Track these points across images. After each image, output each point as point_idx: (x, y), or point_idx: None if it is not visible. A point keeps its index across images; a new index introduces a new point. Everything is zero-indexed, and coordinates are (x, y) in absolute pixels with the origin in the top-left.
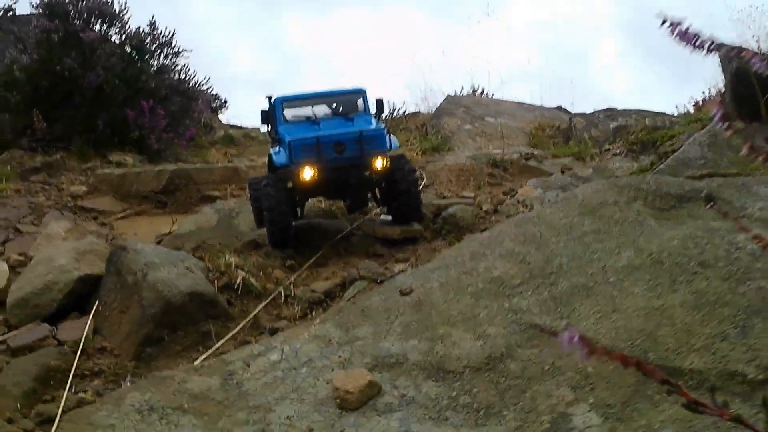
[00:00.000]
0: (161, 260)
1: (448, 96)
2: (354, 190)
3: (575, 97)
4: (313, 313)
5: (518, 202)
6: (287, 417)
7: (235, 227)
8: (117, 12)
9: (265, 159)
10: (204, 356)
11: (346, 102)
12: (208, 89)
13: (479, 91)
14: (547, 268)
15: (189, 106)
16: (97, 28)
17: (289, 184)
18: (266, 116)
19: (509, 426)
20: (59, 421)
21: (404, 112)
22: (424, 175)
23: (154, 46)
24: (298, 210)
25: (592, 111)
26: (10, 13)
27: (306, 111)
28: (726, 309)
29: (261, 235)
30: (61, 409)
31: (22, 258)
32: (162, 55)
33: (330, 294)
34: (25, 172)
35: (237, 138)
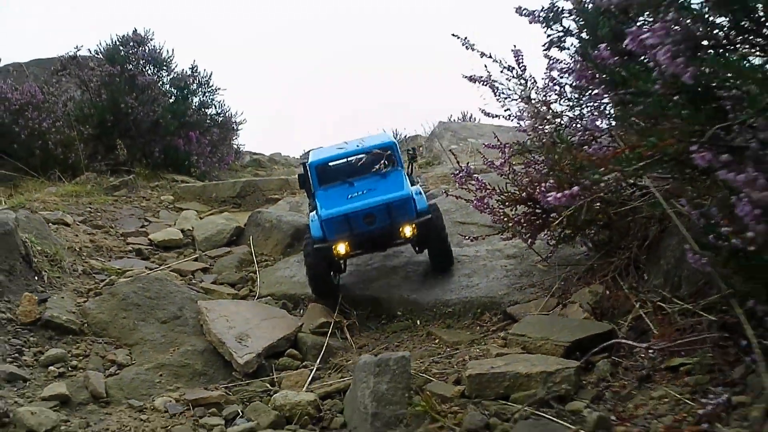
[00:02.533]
0: (282, 214)
1: (440, 122)
2: (382, 249)
3: None
4: None
5: None
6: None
7: (302, 211)
8: (165, 58)
9: (291, 177)
10: None
11: (378, 156)
12: (240, 122)
13: (468, 116)
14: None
15: (226, 136)
16: (149, 71)
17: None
18: (303, 181)
19: None
20: (258, 272)
21: (405, 136)
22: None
23: (195, 85)
24: (342, 265)
25: None
26: (75, 57)
27: (342, 170)
28: None
29: None
30: (257, 269)
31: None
32: (201, 93)
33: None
34: (107, 189)
35: (263, 161)
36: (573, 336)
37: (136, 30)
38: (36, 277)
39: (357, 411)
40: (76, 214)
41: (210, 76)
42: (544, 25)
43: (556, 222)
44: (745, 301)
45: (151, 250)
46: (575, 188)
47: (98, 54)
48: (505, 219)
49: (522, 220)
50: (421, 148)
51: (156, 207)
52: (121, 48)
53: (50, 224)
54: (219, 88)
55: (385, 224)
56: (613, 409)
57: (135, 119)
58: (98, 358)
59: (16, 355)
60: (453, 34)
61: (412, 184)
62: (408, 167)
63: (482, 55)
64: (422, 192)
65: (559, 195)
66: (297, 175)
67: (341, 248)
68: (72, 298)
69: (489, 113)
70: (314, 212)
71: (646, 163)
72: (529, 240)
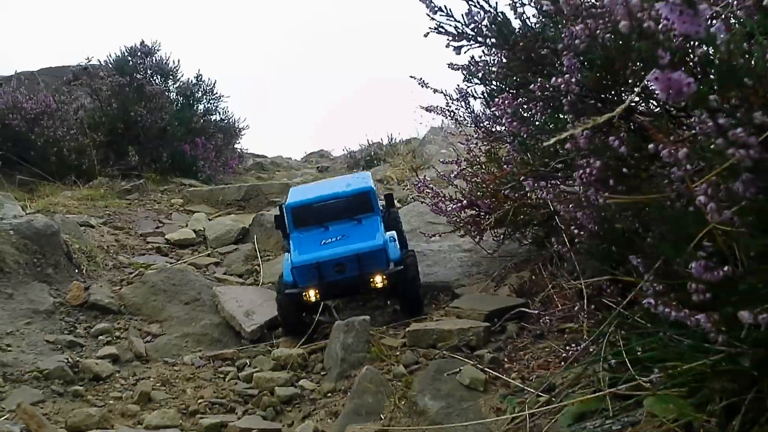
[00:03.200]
0: None
1: (432, 128)
2: (356, 296)
3: None
4: None
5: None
6: None
7: None
8: (172, 68)
9: (296, 180)
10: None
11: (355, 201)
12: (242, 128)
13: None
14: None
15: (229, 141)
16: (157, 81)
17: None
18: (278, 222)
19: None
20: (261, 265)
21: (400, 140)
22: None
23: (200, 93)
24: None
25: None
26: (86, 68)
27: (318, 213)
28: None
29: None
30: (260, 262)
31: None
32: (206, 100)
33: None
34: (120, 193)
35: (266, 165)
36: (493, 306)
37: (143, 41)
38: (76, 270)
39: (331, 357)
40: (97, 217)
41: (214, 84)
42: (465, 79)
43: (486, 224)
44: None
45: (169, 247)
46: (488, 199)
47: (108, 64)
48: (457, 220)
49: (470, 222)
50: (414, 152)
51: (168, 210)
52: (130, 59)
53: (79, 226)
54: (222, 96)
55: (355, 273)
56: (507, 354)
57: (144, 126)
58: (135, 331)
59: (71, 329)
60: (411, 76)
61: (388, 229)
62: (385, 214)
63: (435, 91)
64: (396, 239)
65: (487, 201)
66: (273, 216)
67: (312, 295)
68: (108, 286)
69: (452, 133)
70: (287, 254)
71: (514, 185)
72: (477, 237)
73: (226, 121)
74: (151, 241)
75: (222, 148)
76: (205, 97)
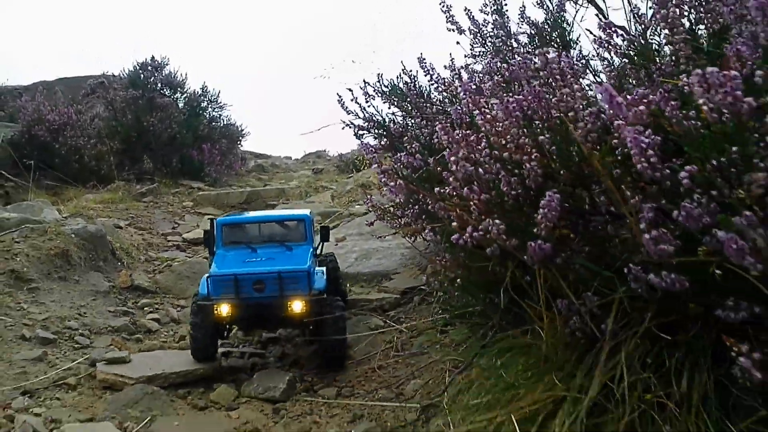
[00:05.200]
0: None
1: None
2: (273, 328)
3: None
4: None
5: None
6: None
7: None
8: (180, 81)
9: (291, 184)
10: None
11: (289, 227)
12: (244, 133)
13: None
14: None
15: (233, 146)
16: (166, 93)
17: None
18: (207, 238)
19: None
20: None
21: None
22: None
23: (206, 102)
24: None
25: None
26: (102, 82)
27: (250, 234)
28: None
29: None
30: None
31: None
32: (211, 109)
33: None
34: (136, 196)
35: (266, 167)
36: (407, 285)
37: (153, 57)
38: (119, 263)
39: None
40: (123, 219)
41: (218, 95)
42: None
43: (409, 229)
44: None
45: (186, 245)
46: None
47: (122, 78)
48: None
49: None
50: None
51: (180, 212)
52: (142, 73)
53: (114, 228)
54: (226, 104)
55: (275, 294)
56: (405, 314)
57: (155, 134)
58: (169, 304)
59: (123, 303)
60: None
61: (320, 264)
62: (319, 245)
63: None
64: (324, 275)
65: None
66: (203, 231)
67: (224, 309)
68: (145, 274)
69: None
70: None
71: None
72: (412, 238)
73: (229, 128)
74: (171, 240)
75: (226, 153)
76: (210, 106)
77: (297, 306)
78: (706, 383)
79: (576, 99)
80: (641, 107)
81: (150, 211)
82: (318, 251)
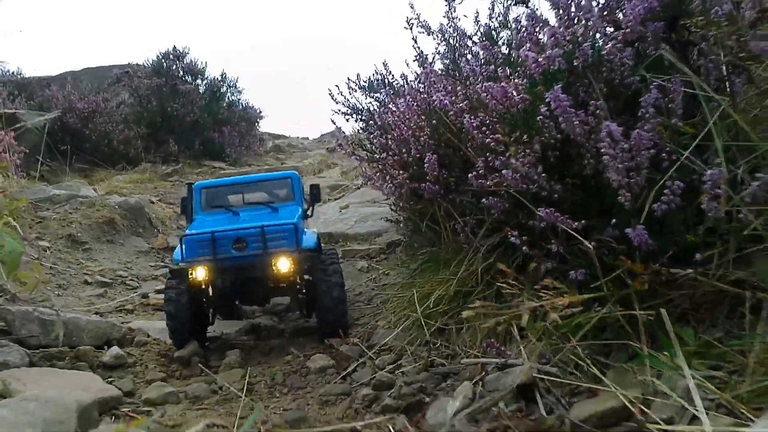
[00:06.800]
0: None
1: None
2: (259, 299)
3: None
4: None
5: None
6: None
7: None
8: (200, 69)
9: (305, 162)
10: None
11: (274, 188)
12: (261, 116)
13: None
14: None
15: (251, 128)
16: (188, 80)
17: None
18: (184, 205)
19: None
20: None
21: None
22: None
23: (225, 88)
24: (210, 313)
25: None
26: (127, 72)
27: (230, 199)
28: None
29: None
30: None
31: None
32: (230, 94)
33: None
34: (162, 176)
35: (283, 147)
36: (390, 239)
37: (175, 47)
38: (155, 230)
39: None
40: (153, 196)
41: (236, 81)
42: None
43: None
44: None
45: None
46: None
47: (145, 67)
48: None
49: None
50: None
51: None
52: (164, 62)
53: (150, 202)
54: (243, 89)
55: (258, 252)
56: (386, 259)
57: (178, 119)
58: None
59: (161, 260)
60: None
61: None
62: (309, 206)
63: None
64: (318, 238)
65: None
66: (180, 199)
67: (200, 273)
68: (177, 239)
69: None
70: None
71: None
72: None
73: (248, 111)
74: None
75: (245, 134)
76: (228, 90)
77: (283, 264)
78: (521, 262)
79: (442, 98)
80: (464, 103)
81: (176, 189)
82: (309, 213)
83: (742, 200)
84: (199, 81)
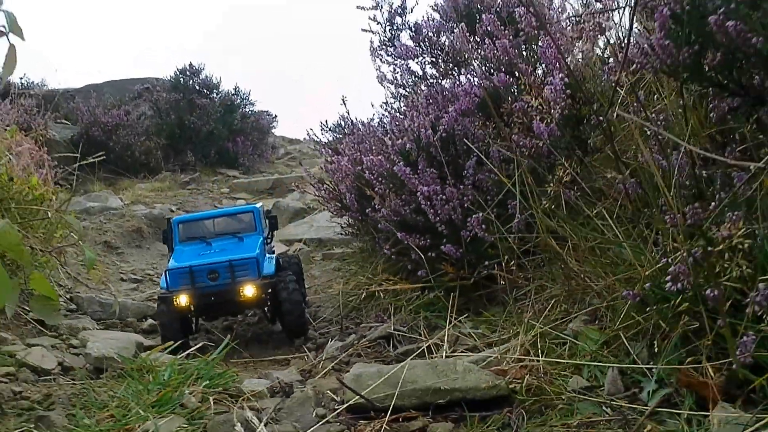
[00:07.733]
0: (289, 202)
1: None
2: (233, 313)
3: None
4: None
5: None
6: None
7: (304, 199)
8: (215, 84)
9: (313, 170)
10: None
11: (239, 220)
12: (272, 123)
13: None
14: None
15: (264, 137)
16: (204, 93)
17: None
18: (165, 237)
19: None
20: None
21: None
22: None
23: (238, 100)
24: (192, 324)
25: None
26: (147, 87)
27: (204, 229)
28: None
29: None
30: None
31: None
32: (243, 106)
33: None
34: (180, 184)
35: (294, 154)
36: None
37: (191, 64)
38: None
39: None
40: (173, 204)
41: (249, 93)
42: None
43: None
44: None
45: None
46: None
47: (164, 82)
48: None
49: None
50: None
51: (219, 197)
52: (181, 78)
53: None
54: (256, 101)
55: (228, 281)
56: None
57: (195, 131)
58: None
59: None
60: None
61: (272, 252)
62: (269, 236)
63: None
64: (277, 260)
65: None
66: (162, 231)
67: (183, 299)
68: None
69: None
70: None
71: None
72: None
73: (260, 121)
74: None
75: (258, 143)
76: (242, 103)
77: (248, 290)
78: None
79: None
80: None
81: (194, 197)
82: (269, 239)
83: (510, 230)
84: (214, 94)
